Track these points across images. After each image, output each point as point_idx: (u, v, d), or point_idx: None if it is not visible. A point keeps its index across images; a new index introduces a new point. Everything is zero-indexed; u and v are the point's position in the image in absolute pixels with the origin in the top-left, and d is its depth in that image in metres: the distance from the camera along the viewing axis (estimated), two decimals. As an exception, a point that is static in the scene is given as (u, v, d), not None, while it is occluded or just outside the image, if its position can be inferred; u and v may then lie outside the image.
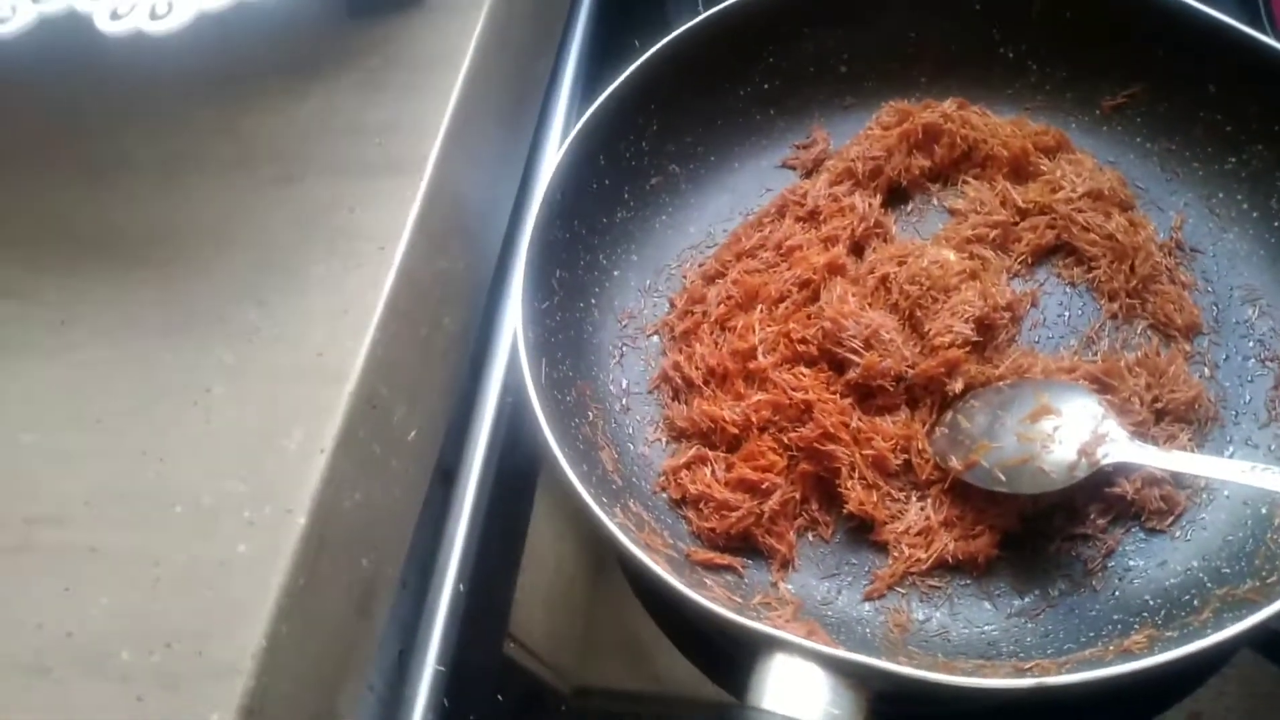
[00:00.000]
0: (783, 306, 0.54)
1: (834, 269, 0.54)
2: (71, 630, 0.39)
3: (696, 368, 0.54)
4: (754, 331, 0.53)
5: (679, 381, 0.55)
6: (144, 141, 0.54)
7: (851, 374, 0.51)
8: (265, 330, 0.47)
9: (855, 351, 0.51)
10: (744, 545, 0.50)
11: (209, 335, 0.47)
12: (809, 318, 0.53)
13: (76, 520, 0.42)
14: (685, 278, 0.60)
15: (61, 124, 0.55)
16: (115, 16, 0.48)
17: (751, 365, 0.52)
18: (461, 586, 0.52)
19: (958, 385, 0.51)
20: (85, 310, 0.49)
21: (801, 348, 0.52)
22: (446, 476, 0.56)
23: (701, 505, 0.50)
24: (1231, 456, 0.50)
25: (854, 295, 0.53)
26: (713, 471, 0.51)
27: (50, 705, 0.37)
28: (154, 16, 0.48)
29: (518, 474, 0.57)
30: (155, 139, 0.54)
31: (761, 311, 0.54)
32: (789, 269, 0.55)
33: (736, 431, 0.51)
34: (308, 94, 0.55)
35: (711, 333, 0.55)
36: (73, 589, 0.40)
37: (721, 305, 0.56)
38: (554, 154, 0.58)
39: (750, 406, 0.51)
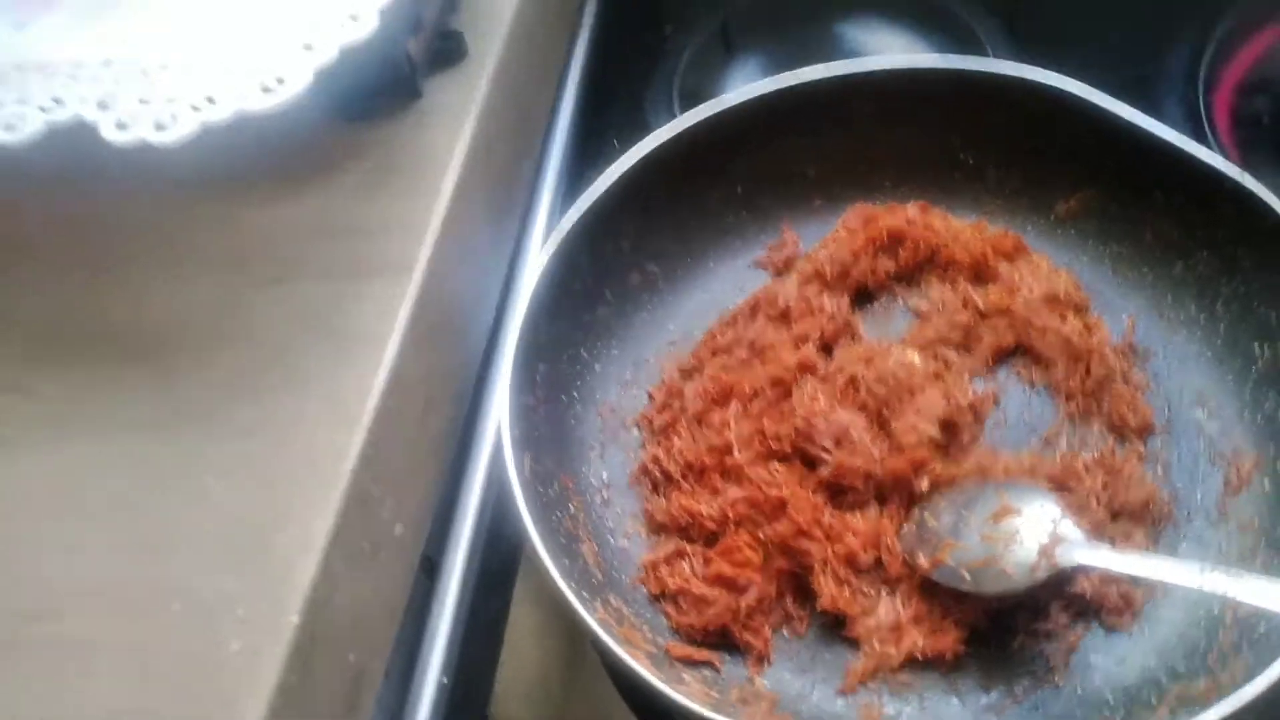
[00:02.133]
0: (756, 403, 0.56)
1: (805, 367, 0.57)
2: (65, 723, 0.40)
3: (675, 462, 0.56)
4: (730, 427, 0.55)
5: (658, 475, 0.57)
6: (145, 241, 0.56)
7: (823, 471, 0.53)
8: (259, 428, 0.48)
9: (826, 450, 0.53)
10: (721, 640, 0.52)
11: (205, 432, 0.48)
12: (782, 415, 0.55)
13: (69, 614, 0.43)
14: (663, 372, 0.62)
15: (66, 223, 0.57)
16: (120, 126, 0.50)
17: (728, 461, 0.54)
18: (445, 679, 0.53)
19: (924, 483, 0.53)
20: (81, 405, 0.50)
21: (775, 444, 0.54)
22: (430, 567, 0.57)
23: (680, 599, 0.52)
24: (1184, 555, 0.53)
25: (824, 394, 0.55)
26: (691, 567, 0.53)
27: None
28: (158, 127, 0.50)
29: (499, 566, 0.58)
30: (156, 238, 0.55)
31: (737, 408, 0.56)
32: (762, 366, 0.58)
33: (714, 527, 0.53)
34: (303, 196, 0.57)
35: (689, 427, 0.57)
36: (64, 683, 0.41)
37: (698, 400, 0.58)
38: (538, 251, 0.60)
39: (727, 503, 0.53)
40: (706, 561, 0.52)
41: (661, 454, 0.57)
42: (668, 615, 0.53)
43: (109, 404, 0.50)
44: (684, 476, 0.56)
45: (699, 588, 0.51)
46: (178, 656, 0.41)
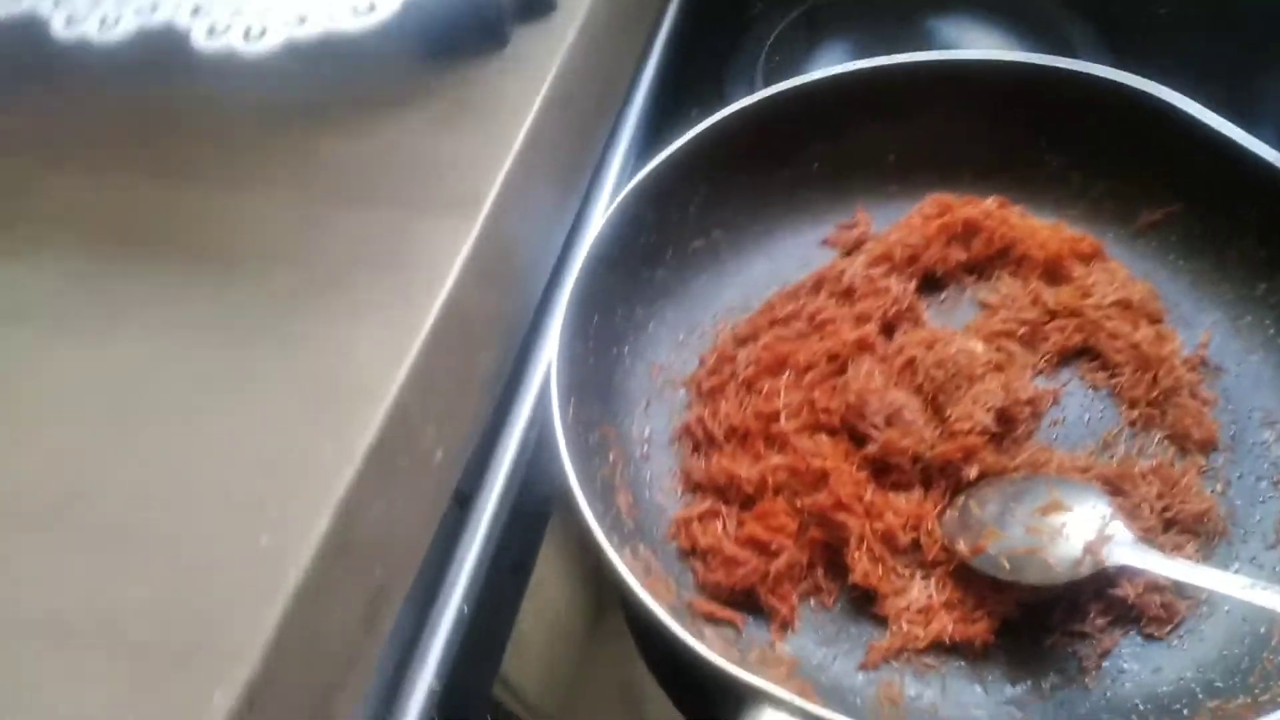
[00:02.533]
0: (810, 375, 0.56)
1: (863, 345, 0.56)
2: (91, 602, 0.40)
3: (720, 424, 0.56)
4: (779, 396, 0.55)
5: (700, 435, 0.56)
6: (217, 155, 0.57)
7: (870, 448, 0.52)
8: (310, 344, 0.48)
9: (876, 427, 0.52)
10: (746, 602, 0.51)
11: (255, 343, 0.49)
12: (834, 389, 0.54)
13: (107, 501, 0.44)
14: (718, 337, 0.61)
15: (143, 129, 0.58)
16: (211, 33, 0.51)
17: (773, 428, 0.54)
18: (465, 607, 0.53)
19: (973, 471, 0.52)
20: (141, 302, 0.51)
21: (824, 417, 0.53)
22: (463, 500, 0.57)
23: (709, 557, 0.52)
24: (1235, 573, 0.51)
25: (880, 373, 0.54)
26: (724, 526, 0.52)
27: (61, 670, 0.39)
28: (247, 37, 0.51)
29: (533, 508, 0.58)
30: (228, 154, 0.57)
31: (789, 378, 0.56)
32: (819, 340, 0.57)
33: (751, 490, 0.52)
34: (379, 126, 0.57)
35: (738, 393, 0.57)
36: (96, 564, 0.42)
37: (750, 367, 0.57)
38: (605, 206, 0.60)
39: (768, 468, 0.52)
40: (740, 523, 0.52)
41: (706, 415, 0.56)
42: (695, 572, 0.52)
43: (167, 304, 0.51)
44: (726, 439, 0.55)
45: (730, 548, 0.51)
46: (207, 550, 0.42)
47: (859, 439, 0.53)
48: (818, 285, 0.61)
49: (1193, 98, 0.59)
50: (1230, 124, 0.58)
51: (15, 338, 0.50)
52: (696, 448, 0.56)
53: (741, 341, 0.60)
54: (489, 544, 0.55)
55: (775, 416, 0.54)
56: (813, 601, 0.52)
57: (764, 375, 0.57)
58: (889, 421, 0.52)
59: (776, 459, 0.53)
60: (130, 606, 0.40)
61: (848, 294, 0.60)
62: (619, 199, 0.58)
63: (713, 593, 0.51)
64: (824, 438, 0.53)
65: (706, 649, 0.43)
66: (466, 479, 0.57)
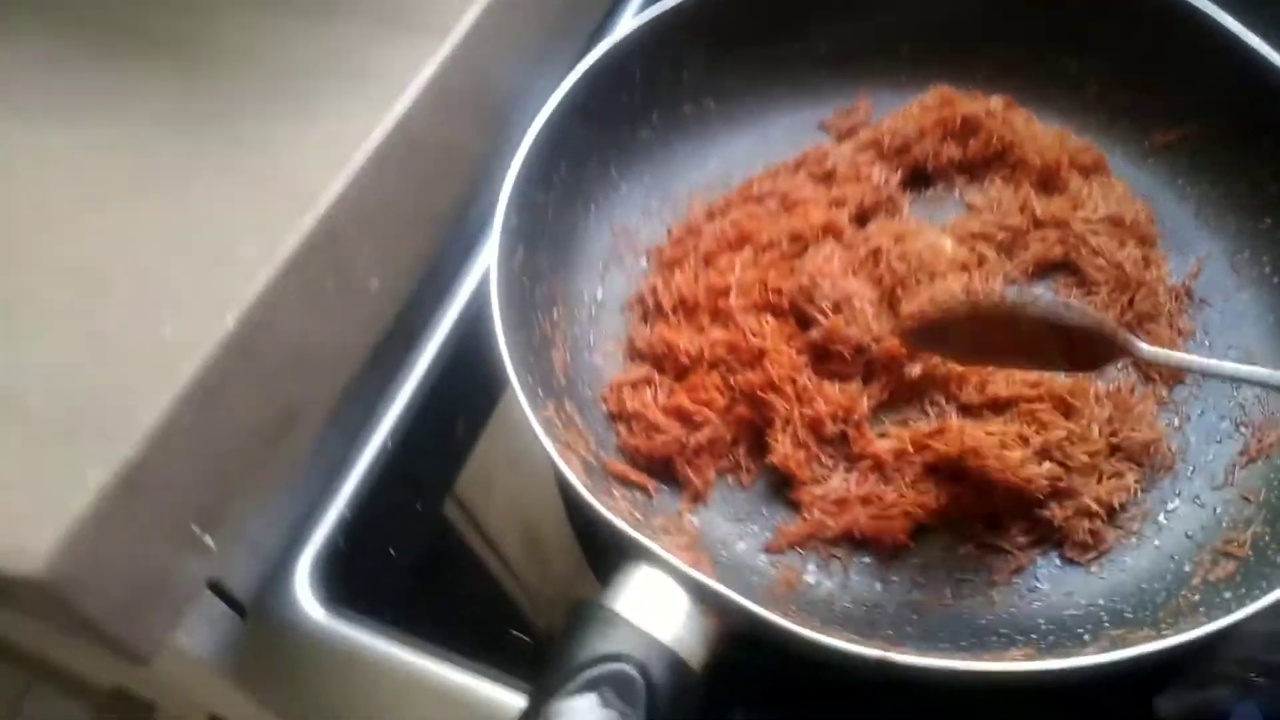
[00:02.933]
0: (769, 254, 0.54)
1: (830, 229, 0.54)
2: (-6, 369, 0.41)
3: (671, 295, 0.54)
4: (734, 272, 0.53)
5: (650, 305, 0.55)
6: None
7: (814, 333, 0.50)
8: (258, 146, 0.48)
9: (823, 312, 0.50)
10: (664, 471, 0.50)
11: (206, 138, 0.48)
12: (791, 271, 0.52)
13: (31, 273, 0.44)
14: (689, 209, 0.59)
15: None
16: None
17: (721, 303, 0.52)
18: (389, 443, 0.53)
19: (916, 370, 0.50)
20: (106, 88, 0.50)
21: (773, 297, 0.52)
22: (408, 339, 0.57)
23: (633, 422, 0.51)
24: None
25: (840, 259, 0.52)
26: (654, 394, 0.51)
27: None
28: None
29: (482, 356, 0.57)
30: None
31: (747, 255, 0.54)
32: (787, 219, 0.55)
33: (687, 363, 0.51)
34: (367, -58, 0.56)
35: (695, 265, 0.55)
36: (7, 332, 0.42)
37: (713, 242, 0.55)
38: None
39: (707, 342, 0.51)
40: (670, 393, 0.51)
41: (660, 285, 0.55)
42: (618, 434, 0.51)
43: (130, 93, 0.50)
44: (674, 310, 0.54)
45: (655, 415, 0.50)
46: (113, 333, 0.42)
47: (805, 324, 0.51)
48: (799, 165, 0.59)
49: (1243, 22, 0.55)
50: (1267, 45, 0.54)
51: (-18, 106, 0.50)
52: (645, 317, 0.55)
53: (711, 216, 0.58)
54: (426, 384, 0.55)
55: (725, 292, 0.52)
56: (729, 479, 0.51)
57: (725, 251, 0.55)
58: (836, 308, 0.50)
59: (717, 333, 0.51)
60: (31, 380, 0.40)
61: (827, 177, 0.57)
62: (604, 49, 0.56)
63: (632, 457, 0.50)
64: (769, 318, 0.51)
65: (606, 510, 0.42)
66: (414, 320, 0.57)
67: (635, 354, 0.54)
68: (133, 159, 0.48)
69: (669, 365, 0.52)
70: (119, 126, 0.49)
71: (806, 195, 0.56)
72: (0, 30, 0.53)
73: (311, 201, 0.45)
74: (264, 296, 0.42)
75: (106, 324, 0.42)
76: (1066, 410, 0.50)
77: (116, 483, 0.37)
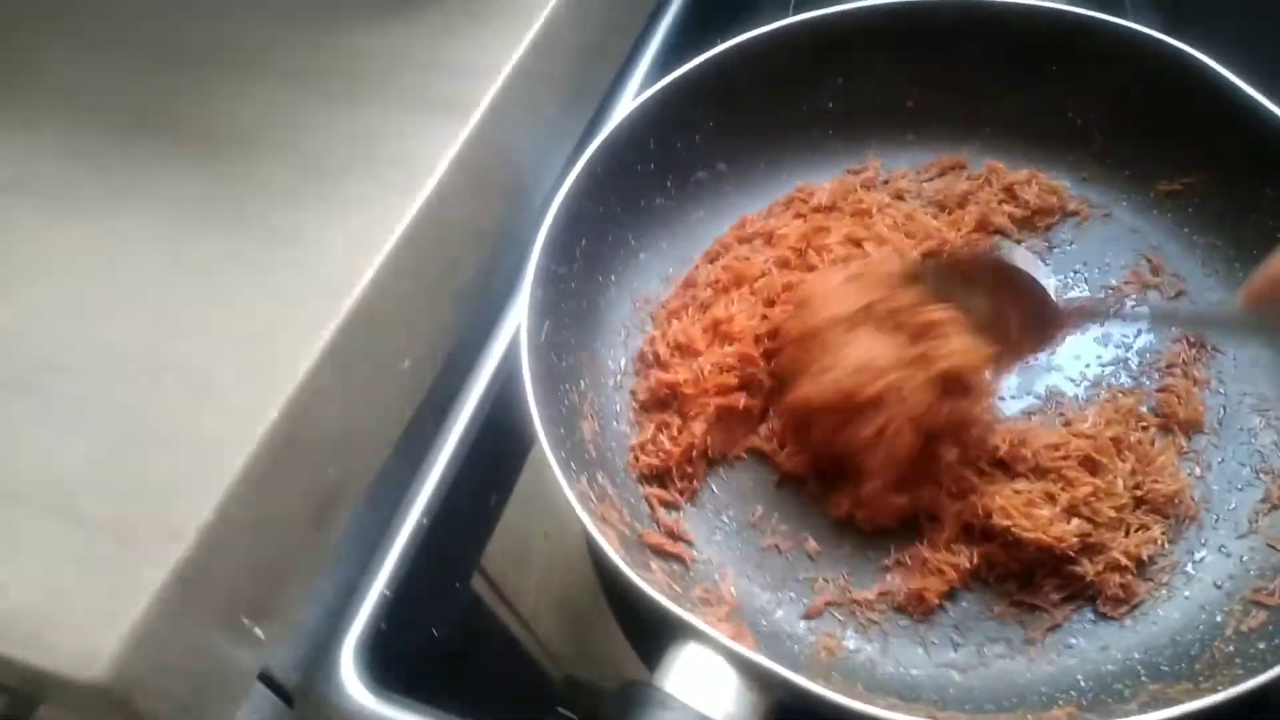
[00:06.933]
0: (764, 281, 0.57)
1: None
2: (45, 471, 0.41)
3: (666, 344, 0.56)
4: (731, 308, 0.55)
5: (651, 357, 0.56)
6: (229, 44, 0.57)
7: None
8: (289, 234, 0.48)
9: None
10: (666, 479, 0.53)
11: (238, 227, 0.49)
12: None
13: (74, 371, 0.44)
14: (696, 266, 0.61)
15: (160, 16, 0.58)
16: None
17: (722, 329, 0.55)
18: (425, 520, 0.53)
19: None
20: (134, 181, 0.51)
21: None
22: (438, 414, 0.57)
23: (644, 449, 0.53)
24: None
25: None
26: (667, 436, 0.53)
27: (4, 531, 0.39)
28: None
29: (511, 428, 0.58)
30: (240, 43, 0.56)
31: (743, 292, 0.57)
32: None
33: (691, 392, 0.53)
34: (388, 27, 0.57)
35: (692, 313, 0.57)
36: (55, 434, 0.42)
37: (708, 289, 0.57)
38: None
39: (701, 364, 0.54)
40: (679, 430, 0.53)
41: (658, 336, 0.57)
42: (635, 460, 0.53)
43: (159, 184, 0.51)
44: (671, 354, 0.56)
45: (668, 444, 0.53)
46: (160, 430, 0.42)
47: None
48: (789, 204, 0.61)
49: (1242, 76, 0.56)
50: (1265, 97, 0.55)
51: (16, 207, 0.50)
52: (646, 370, 0.57)
53: (710, 261, 0.60)
54: (456, 459, 0.56)
55: (727, 321, 0.55)
56: (764, 544, 0.52)
57: (720, 295, 0.57)
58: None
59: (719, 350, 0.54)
60: (80, 478, 0.41)
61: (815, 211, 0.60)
62: (619, 122, 0.57)
63: (645, 474, 0.53)
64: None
65: (646, 584, 0.43)
66: (443, 394, 0.57)
67: (643, 410, 0.55)
68: (165, 251, 0.48)
69: (674, 403, 0.54)
70: (150, 218, 0.50)
71: (786, 229, 0.59)
72: (24, 124, 0.54)
73: (346, 289, 0.46)
74: (304, 386, 0.43)
75: (150, 418, 0.42)
76: (1092, 467, 0.51)
77: (172, 581, 0.38)
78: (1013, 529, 0.48)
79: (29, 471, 0.41)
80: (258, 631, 0.42)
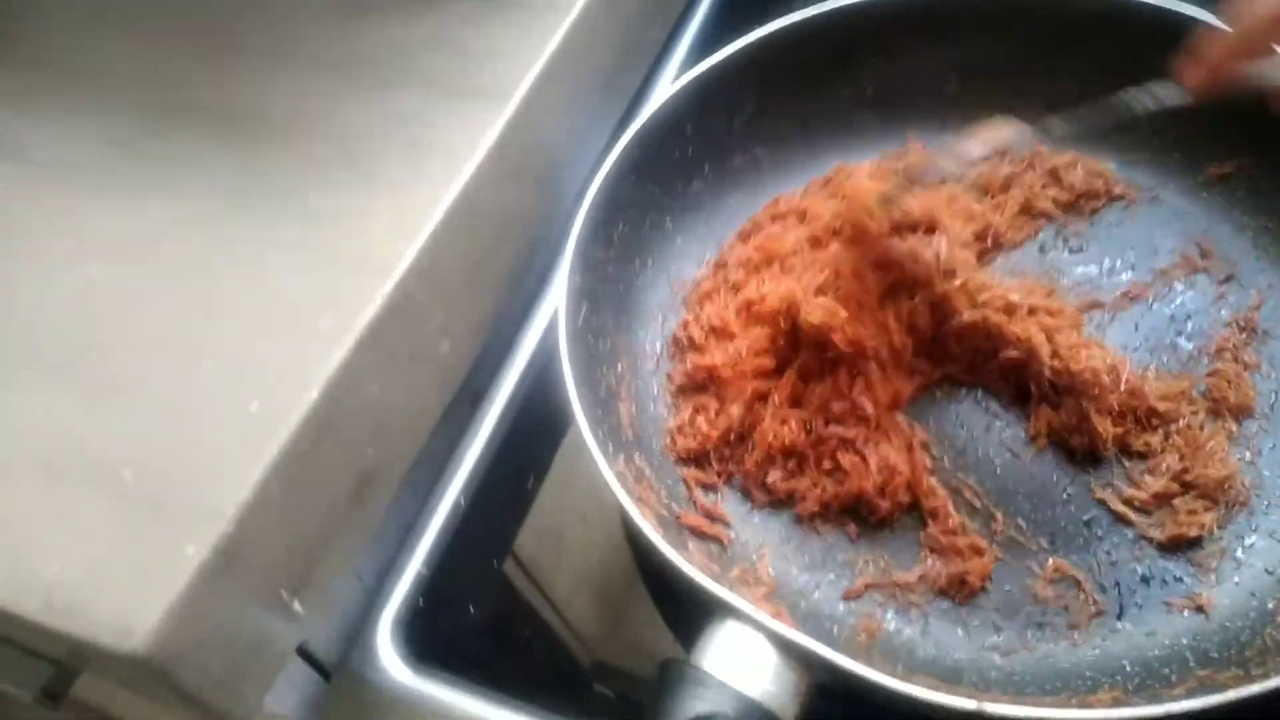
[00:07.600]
0: (796, 259, 0.56)
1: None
2: (87, 448, 0.42)
3: (702, 327, 0.55)
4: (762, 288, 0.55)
5: (685, 341, 0.56)
6: (265, 32, 0.58)
7: None
8: (328, 217, 0.49)
9: None
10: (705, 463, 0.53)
11: (276, 212, 0.50)
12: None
13: (116, 355, 0.45)
14: (725, 244, 0.61)
15: (200, 7, 0.59)
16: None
17: (754, 308, 0.54)
18: (463, 501, 0.53)
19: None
20: (174, 168, 0.52)
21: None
22: (475, 397, 0.58)
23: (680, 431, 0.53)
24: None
25: None
26: (708, 420, 0.52)
27: (51, 509, 0.40)
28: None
29: (547, 410, 0.58)
30: (275, 32, 0.57)
31: (774, 270, 0.56)
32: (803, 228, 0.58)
33: (729, 375, 0.53)
34: (424, 15, 0.57)
35: (725, 294, 0.57)
36: (98, 408, 0.43)
37: (740, 269, 0.57)
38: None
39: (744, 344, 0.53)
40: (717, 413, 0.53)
41: (691, 319, 0.57)
42: (672, 442, 0.53)
43: (197, 169, 0.52)
44: (706, 338, 0.55)
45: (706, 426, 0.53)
46: (201, 409, 0.43)
47: None
48: (826, 183, 0.61)
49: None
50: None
51: (61, 191, 0.52)
52: (681, 354, 0.56)
53: (744, 238, 0.60)
54: (494, 441, 0.56)
55: (758, 302, 0.54)
56: (802, 527, 0.51)
57: (751, 275, 0.56)
58: None
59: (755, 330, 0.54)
60: (122, 456, 0.41)
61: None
62: (658, 106, 0.57)
63: (682, 456, 0.53)
64: None
65: (684, 562, 0.42)
66: (480, 378, 0.58)
67: (679, 393, 0.55)
68: (206, 235, 0.49)
69: (711, 386, 0.53)
70: (191, 202, 0.50)
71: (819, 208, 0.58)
72: (62, 113, 0.55)
73: (385, 272, 0.46)
74: (343, 367, 0.43)
75: (193, 398, 0.43)
76: (1132, 451, 0.50)
77: (213, 556, 0.38)
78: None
79: (72, 450, 0.42)
80: (296, 606, 0.43)
